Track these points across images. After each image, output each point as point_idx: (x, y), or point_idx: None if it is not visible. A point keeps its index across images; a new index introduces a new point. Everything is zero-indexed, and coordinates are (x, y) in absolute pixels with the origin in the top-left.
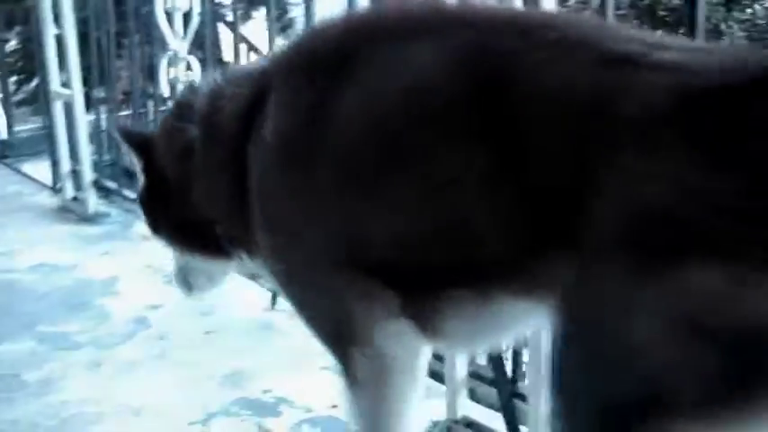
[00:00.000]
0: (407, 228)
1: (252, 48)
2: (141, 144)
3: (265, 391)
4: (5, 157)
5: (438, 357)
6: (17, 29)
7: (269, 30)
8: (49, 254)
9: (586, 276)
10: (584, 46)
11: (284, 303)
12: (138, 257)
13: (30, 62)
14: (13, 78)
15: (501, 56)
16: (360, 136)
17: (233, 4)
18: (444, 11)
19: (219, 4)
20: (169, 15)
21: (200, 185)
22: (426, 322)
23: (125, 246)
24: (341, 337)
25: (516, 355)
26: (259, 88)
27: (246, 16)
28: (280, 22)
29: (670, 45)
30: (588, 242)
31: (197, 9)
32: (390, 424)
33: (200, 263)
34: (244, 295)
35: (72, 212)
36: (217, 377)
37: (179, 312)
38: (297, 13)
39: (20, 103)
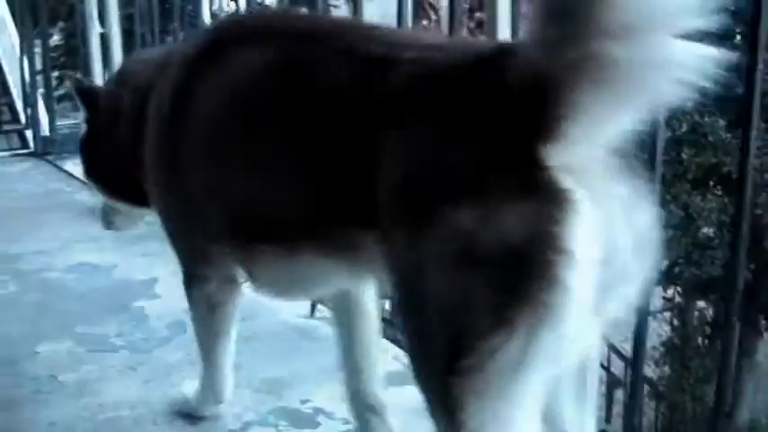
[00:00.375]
0: (237, 192)
1: None
2: (88, 98)
3: (303, 402)
4: (47, 153)
5: None
6: (60, 24)
7: None
8: (89, 254)
9: (389, 243)
10: (357, 48)
11: (324, 311)
12: (176, 260)
13: (72, 58)
14: (55, 74)
15: (301, 60)
16: (209, 121)
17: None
18: (275, 22)
19: (262, 5)
20: (215, 17)
21: (120, 145)
22: (249, 268)
23: (164, 248)
24: (189, 263)
25: None
26: (160, 71)
27: None
28: None
29: (414, 44)
30: (379, 212)
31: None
32: (211, 335)
33: (122, 207)
34: (284, 302)
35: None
36: (254, 385)
37: None
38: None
39: (61, 98)
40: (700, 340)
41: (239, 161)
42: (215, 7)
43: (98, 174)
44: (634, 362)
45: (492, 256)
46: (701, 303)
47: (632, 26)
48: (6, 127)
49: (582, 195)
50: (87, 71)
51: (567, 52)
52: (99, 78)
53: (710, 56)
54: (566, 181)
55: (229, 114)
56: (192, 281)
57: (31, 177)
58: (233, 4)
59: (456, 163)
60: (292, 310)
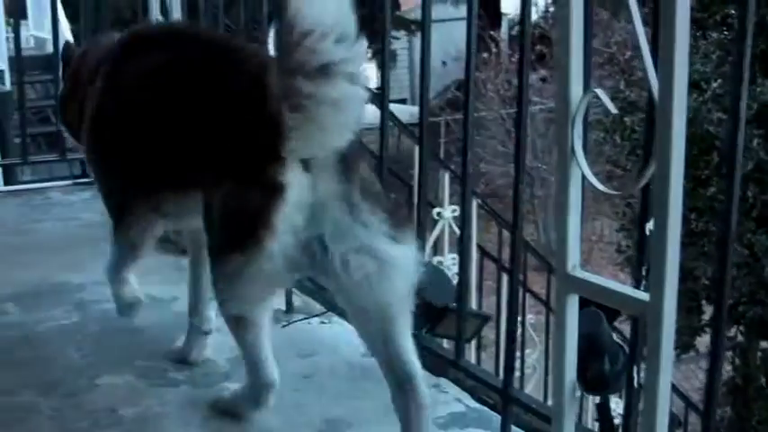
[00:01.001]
0: (138, 155)
1: None
2: (67, 59)
3: None
4: None
5: None
6: None
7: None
8: (149, 285)
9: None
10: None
11: None
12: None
13: None
14: None
15: (172, 62)
16: (122, 104)
17: None
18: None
19: None
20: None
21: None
22: (157, 207)
23: None
24: (116, 215)
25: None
26: (103, 58)
27: None
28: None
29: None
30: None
31: None
32: (126, 264)
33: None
34: (343, 339)
35: (172, 243)
36: (315, 424)
37: (277, 354)
38: (398, 45)
39: None
40: (763, 380)
41: (143, 133)
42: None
43: (66, 122)
44: (706, 411)
45: (238, 208)
46: (764, 343)
47: (318, 70)
48: (70, 155)
49: (295, 182)
50: None
51: (280, 85)
52: None
53: (359, 97)
54: (292, 175)
55: (134, 99)
56: (116, 228)
57: (93, 206)
58: None
59: (231, 156)
60: (353, 347)
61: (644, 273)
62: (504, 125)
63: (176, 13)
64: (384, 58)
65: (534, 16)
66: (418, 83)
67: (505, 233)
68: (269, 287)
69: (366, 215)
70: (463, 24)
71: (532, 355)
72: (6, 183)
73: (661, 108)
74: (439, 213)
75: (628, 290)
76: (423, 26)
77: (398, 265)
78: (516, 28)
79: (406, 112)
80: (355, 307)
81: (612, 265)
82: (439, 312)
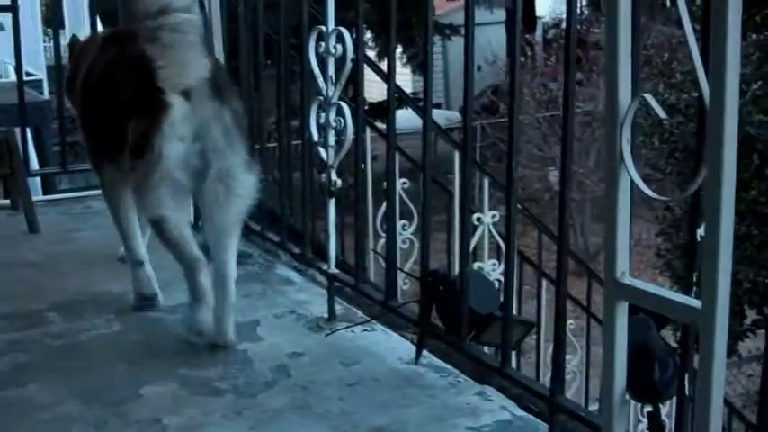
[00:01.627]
0: (96, 126)
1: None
2: (72, 49)
3: None
4: None
5: None
6: None
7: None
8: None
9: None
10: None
11: (429, 357)
12: (279, 302)
13: None
14: None
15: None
16: (90, 83)
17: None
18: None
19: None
20: (322, 60)
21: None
22: (118, 164)
23: (265, 289)
24: (96, 169)
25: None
26: (90, 49)
27: (385, 52)
28: (416, 60)
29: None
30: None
31: (350, 55)
32: (115, 208)
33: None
34: (387, 347)
35: None
36: None
37: (321, 362)
38: (435, 52)
39: None
40: None
41: (99, 105)
42: (321, 50)
43: (70, 100)
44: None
45: (140, 132)
46: None
47: (159, 11)
48: None
49: (177, 104)
50: None
51: (140, 31)
52: None
53: (193, 21)
54: (171, 98)
55: (96, 80)
56: (99, 178)
57: None
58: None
59: (133, 101)
60: (396, 355)
61: (695, 279)
62: (541, 129)
63: (216, 23)
64: (427, 64)
65: None
66: (453, 88)
67: (544, 238)
68: (171, 189)
69: (235, 142)
70: (498, 28)
71: (572, 361)
72: (45, 192)
73: (712, 113)
74: (479, 219)
75: (679, 297)
76: (466, 30)
77: (248, 188)
78: (551, 31)
79: (442, 117)
80: (212, 214)
81: (652, 269)
82: (483, 320)
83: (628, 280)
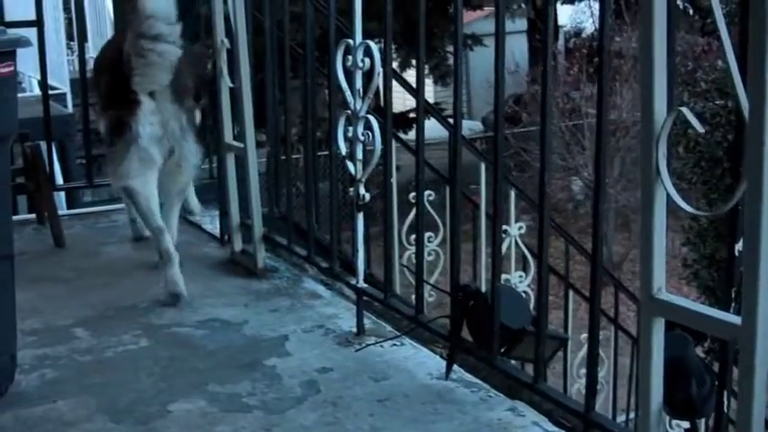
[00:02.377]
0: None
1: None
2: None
3: None
4: None
5: None
6: None
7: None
8: (218, 309)
9: None
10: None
11: (459, 372)
12: (307, 316)
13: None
14: None
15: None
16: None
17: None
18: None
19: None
20: (349, 74)
21: None
22: None
23: (294, 303)
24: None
25: None
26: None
27: (407, 63)
28: (438, 71)
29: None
30: None
31: (378, 69)
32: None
33: None
34: (417, 362)
35: (240, 265)
36: None
37: (350, 377)
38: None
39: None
40: None
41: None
42: (348, 64)
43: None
44: None
45: (118, 117)
46: None
47: (154, 37)
48: None
49: (146, 101)
50: (217, 126)
51: (133, 44)
52: (228, 132)
53: (174, 51)
54: (141, 97)
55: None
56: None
57: None
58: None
59: (116, 94)
60: (426, 370)
61: (734, 295)
62: (564, 138)
63: (242, 36)
64: (457, 80)
65: (590, 28)
66: (474, 98)
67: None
68: (142, 163)
69: (188, 135)
70: (519, 38)
71: (600, 373)
72: (69, 205)
73: (752, 127)
74: (505, 231)
75: (717, 313)
76: (496, 39)
77: (192, 169)
78: (573, 40)
79: (465, 127)
80: (166, 185)
81: (677, 279)
82: (515, 335)
83: (664, 296)
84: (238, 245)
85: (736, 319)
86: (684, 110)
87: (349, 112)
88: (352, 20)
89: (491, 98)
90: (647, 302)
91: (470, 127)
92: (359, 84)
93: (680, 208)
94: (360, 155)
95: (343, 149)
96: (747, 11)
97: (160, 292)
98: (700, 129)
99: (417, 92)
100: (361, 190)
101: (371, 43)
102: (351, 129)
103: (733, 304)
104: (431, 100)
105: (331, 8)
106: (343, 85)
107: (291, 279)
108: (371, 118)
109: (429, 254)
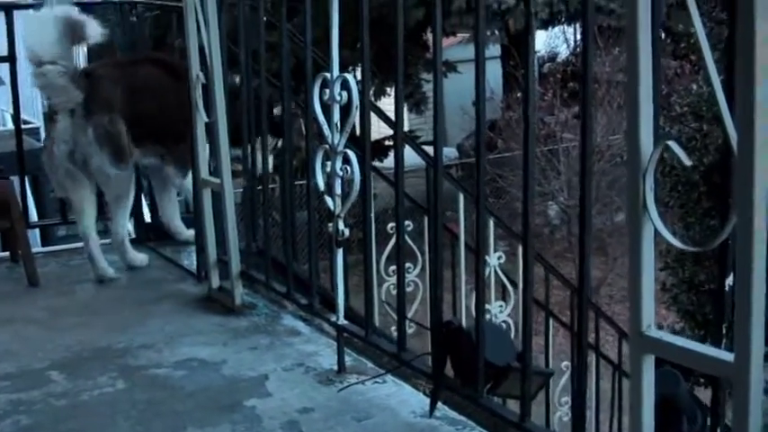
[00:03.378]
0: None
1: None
2: None
3: None
4: (149, 240)
5: None
6: None
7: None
8: (196, 348)
9: None
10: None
11: (444, 409)
12: (286, 354)
13: None
14: None
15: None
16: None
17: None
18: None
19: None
20: (326, 107)
21: None
22: None
23: (273, 341)
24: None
25: None
26: None
27: (381, 91)
28: (413, 98)
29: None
30: None
31: (356, 102)
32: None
33: None
34: (400, 399)
35: (217, 302)
36: None
37: (332, 417)
38: (428, 88)
39: None
40: None
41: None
42: (325, 98)
43: None
44: None
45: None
46: None
47: (39, 63)
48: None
49: (60, 119)
50: (193, 159)
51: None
52: (204, 167)
53: (57, 70)
54: (56, 116)
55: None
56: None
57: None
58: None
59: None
60: (408, 408)
61: (724, 331)
62: (540, 163)
63: (217, 70)
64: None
65: (564, 53)
66: (449, 124)
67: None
68: (65, 176)
69: (96, 148)
70: (493, 63)
71: None
72: (43, 240)
73: (741, 159)
74: (484, 261)
75: (709, 350)
76: (477, 66)
77: (114, 179)
78: (546, 65)
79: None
80: (106, 195)
81: (657, 303)
82: (500, 371)
83: (654, 333)
84: (215, 281)
85: (729, 356)
86: (672, 143)
87: (327, 146)
88: (329, 52)
89: (465, 125)
90: (636, 339)
91: (446, 154)
92: (336, 117)
93: (666, 241)
94: (338, 190)
95: (322, 184)
96: (733, 37)
97: (137, 331)
98: (687, 162)
99: (396, 124)
100: (341, 225)
101: (349, 76)
102: (329, 163)
103: (724, 339)
104: (405, 128)
105: (307, 40)
106: (321, 118)
107: (270, 316)
108: (350, 152)
109: (408, 284)
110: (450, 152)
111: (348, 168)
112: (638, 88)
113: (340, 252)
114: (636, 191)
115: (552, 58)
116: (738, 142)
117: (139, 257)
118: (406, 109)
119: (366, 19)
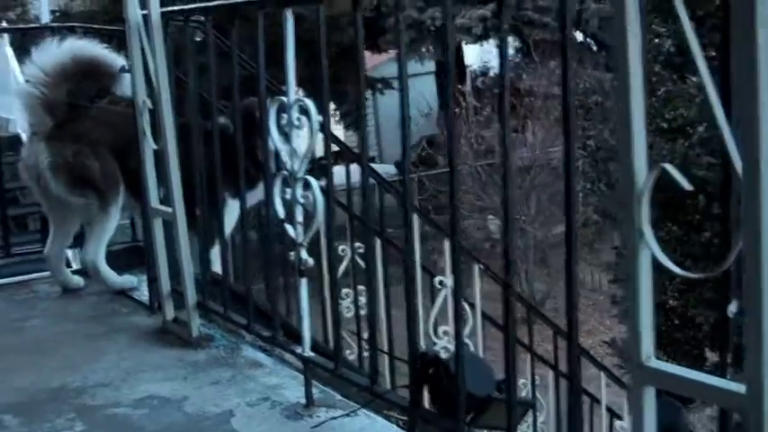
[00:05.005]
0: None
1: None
2: None
3: None
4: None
5: None
6: None
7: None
8: (155, 384)
9: None
10: None
11: None
12: (250, 388)
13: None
14: None
15: None
16: None
17: None
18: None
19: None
20: (284, 133)
21: None
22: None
23: (234, 374)
24: None
25: None
26: None
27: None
28: (350, 116)
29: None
30: None
31: (315, 126)
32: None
33: None
34: None
35: (173, 334)
36: None
37: None
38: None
39: None
40: None
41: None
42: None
43: None
44: None
45: None
46: None
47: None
48: None
49: (28, 141)
50: (142, 187)
51: None
52: (154, 196)
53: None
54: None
55: None
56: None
57: (83, 298)
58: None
59: None
60: None
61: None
62: (481, 178)
63: (165, 95)
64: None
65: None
66: (386, 142)
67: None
68: (37, 194)
69: (50, 174)
70: (429, 79)
71: (540, 418)
72: None
73: (747, 186)
74: (441, 282)
75: (716, 381)
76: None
77: (77, 205)
78: (480, 79)
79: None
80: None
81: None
82: (480, 402)
83: (654, 363)
84: (170, 313)
85: (740, 388)
86: (669, 167)
87: (286, 173)
88: (285, 75)
89: None
90: (636, 371)
91: (383, 171)
92: (295, 143)
93: (667, 269)
94: (300, 217)
95: (282, 212)
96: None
97: (92, 368)
98: (688, 187)
99: (326, 141)
100: (303, 254)
101: (307, 100)
102: (288, 190)
103: (729, 369)
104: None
105: (260, 65)
106: (279, 145)
107: (229, 347)
108: (311, 179)
109: (362, 307)
110: (388, 169)
111: (309, 195)
112: (630, 112)
113: (304, 282)
114: (631, 217)
115: (485, 72)
116: (744, 168)
117: (75, 279)
118: (342, 127)
119: (323, 41)
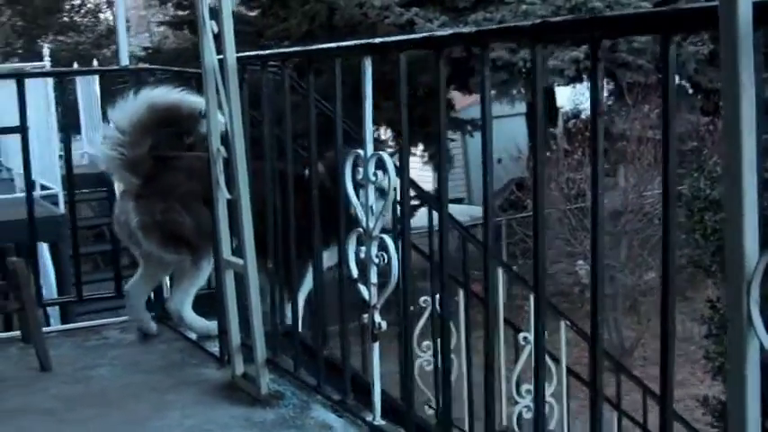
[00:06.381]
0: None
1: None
2: None
3: None
4: (169, 318)
5: None
6: None
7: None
8: None
9: None
10: None
11: None
12: None
13: None
14: None
15: None
16: None
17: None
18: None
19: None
20: (359, 187)
21: None
22: None
23: None
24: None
25: None
26: None
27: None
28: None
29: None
30: None
31: (394, 182)
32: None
33: None
34: None
35: (242, 391)
36: None
37: None
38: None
39: None
40: None
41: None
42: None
43: None
44: None
45: None
46: None
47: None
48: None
49: (120, 197)
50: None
51: None
52: (227, 247)
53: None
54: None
55: None
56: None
57: (152, 347)
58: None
59: None
60: None
61: None
62: (570, 222)
63: (239, 143)
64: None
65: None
66: (474, 183)
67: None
68: (133, 249)
69: (141, 235)
70: (520, 120)
71: None
72: (63, 319)
73: None
74: (525, 338)
75: None
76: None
77: (169, 260)
78: (572, 122)
79: (465, 213)
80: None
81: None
82: None
83: None
84: (240, 368)
85: None
86: None
87: (360, 230)
88: (362, 127)
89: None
90: None
91: (471, 213)
92: (371, 199)
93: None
94: (374, 278)
95: (355, 272)
96: None
97: (156, 425)
98: None
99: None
100: (377, 317)
101: (385, 155)
102: (363, 249)
103: None
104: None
105: (337, 111)
106: (354, 200)
107: (299, 407)
108: (386, 238)
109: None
110: (475, 211)
111: (384, 255)
112: (741, 189)
113: (376, 346)
114: (739, 304)
115: (576, 114)
116: None
117: (152, 325)
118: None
119: (404, 93)
